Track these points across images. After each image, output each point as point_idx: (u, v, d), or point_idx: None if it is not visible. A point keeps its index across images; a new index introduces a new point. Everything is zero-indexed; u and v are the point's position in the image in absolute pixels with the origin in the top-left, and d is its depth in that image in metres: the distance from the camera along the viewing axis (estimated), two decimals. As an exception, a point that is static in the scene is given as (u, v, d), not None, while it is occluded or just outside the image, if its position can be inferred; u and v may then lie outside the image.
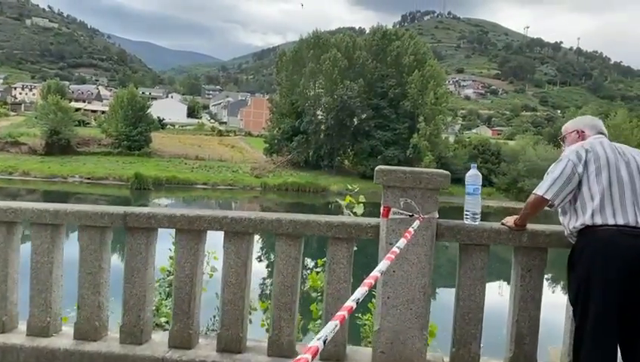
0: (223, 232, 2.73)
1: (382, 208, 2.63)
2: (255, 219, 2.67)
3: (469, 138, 75.22)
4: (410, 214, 2.47)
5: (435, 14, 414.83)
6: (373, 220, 2.78)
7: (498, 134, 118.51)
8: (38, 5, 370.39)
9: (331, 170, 62.94)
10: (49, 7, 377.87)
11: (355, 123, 63.56)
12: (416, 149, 58.72)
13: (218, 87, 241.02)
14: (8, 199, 31.84)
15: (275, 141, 65.24)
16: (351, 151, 65.78)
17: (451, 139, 72.23)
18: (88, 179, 52.16)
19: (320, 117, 63.96)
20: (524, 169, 56.46)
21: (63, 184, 50.38)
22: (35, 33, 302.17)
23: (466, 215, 2.61)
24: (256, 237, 3.03)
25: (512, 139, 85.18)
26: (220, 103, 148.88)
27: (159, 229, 2.71)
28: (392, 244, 2.41)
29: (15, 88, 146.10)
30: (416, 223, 2.36)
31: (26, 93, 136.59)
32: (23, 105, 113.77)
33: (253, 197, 53.73)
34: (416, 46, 66.02)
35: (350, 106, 60.19)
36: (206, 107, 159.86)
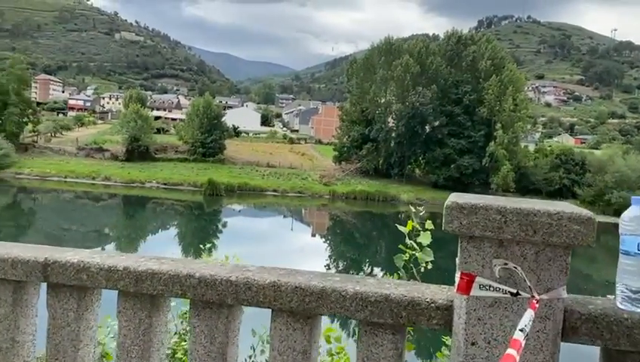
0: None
1: (457, 275, 1.49)
2: (238, 282, 1.60)
3: (550, 147, 70.46)
4: (514, 292, 1.34)
5: (514, 19, 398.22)
6: (440, 292, 1.60)
7: (582, 143, 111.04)
8: (126, 20, 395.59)
9: (402, 178, 61.12)
10: (136, 21, 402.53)
11: (428, 130, 61.43)
12: (492, 158, 55.65)
13: (291, 96, 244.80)
14: (92, 202, 33.25)
15: (345, 149, 64.43)
16: (422, 160, 63.64)
17: (531, 147, 68.13)
18: (164, 184, 53.81)
19: (391, 124, 62.41)
20: (613, 180, 52.04)
21: (141, 189, 52.31)
22: (123, 46, 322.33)
23: (622, 292, 1.41)
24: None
25: (597, 148, 79.44)
26: (292, 112, 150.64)
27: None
28: (476, 344, 1.34)
29: (103, 98, 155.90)
30: (528, 313, 1.24)
31: (113, 103, 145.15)
32: (109, 113, 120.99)
33: (321, 205, 53.15)
34: (493, 50, 62.86)
35: (422, 113, 58.19)
36: (279, 115, 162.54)
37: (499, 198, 1.58)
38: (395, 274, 3.31)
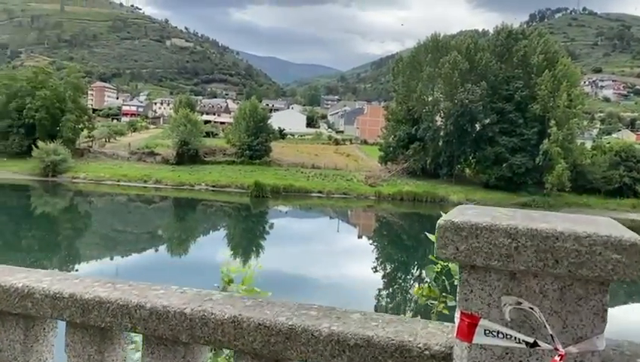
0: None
1: (457, 314, 1.20)
2: (193, 316, 1.30)
3: (608, 143, 66.87)
4: (530, 341, 0.94)
5: (568, 11, 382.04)
6: (439, 334, 1.30)
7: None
8: (176, 27, 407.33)
9: (450, 178, 59.66)
10: (186, 28, 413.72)
11: (477, 128, 59.68)
12: (546, 156, 53.39)
13: (336, 97, 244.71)
14: (145, 205, 34.19)
15: (391, 149, 63.54)
16: (472, 159, 61.88)
17: (588, 144, 64.92)
18: (213, 186, 54.81)
19: (438, 123, 61.05)
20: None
21: (190, 191, 53.48)
22: (174, 53, 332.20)
23: None
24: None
25: (661, 144, 74.60)
26: (337, 113, 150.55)
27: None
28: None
29: (155, 103, 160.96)
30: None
31: (164, 108, 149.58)
32: (161, 118, 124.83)
33: (367, 206, 52.63)
34: (546, 44, 60.31)
35: (472, 111, 56.57)
36: (324, 117, 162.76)
37: (514, 213, 1.20)
38: (426, 286, 2.99)
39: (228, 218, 44.61)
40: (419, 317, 3.19)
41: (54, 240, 31.67)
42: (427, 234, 3.09)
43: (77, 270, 24.09)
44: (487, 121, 58.72)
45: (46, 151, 53.82)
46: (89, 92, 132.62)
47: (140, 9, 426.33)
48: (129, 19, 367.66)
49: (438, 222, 1.21)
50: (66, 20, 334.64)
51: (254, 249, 31.94)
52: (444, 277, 2.93)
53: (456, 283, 2.91)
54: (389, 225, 45.24)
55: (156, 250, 31.66)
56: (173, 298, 1.48)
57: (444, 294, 2.97)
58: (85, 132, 65.73)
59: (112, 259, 27.65)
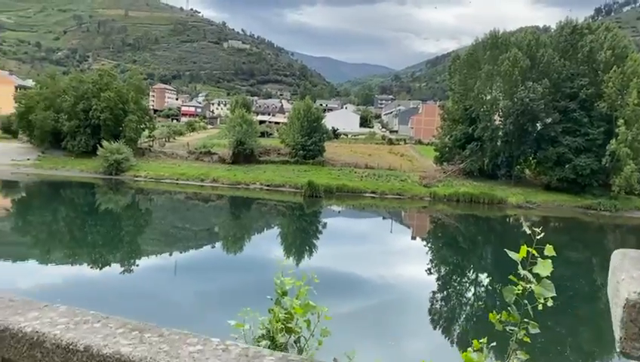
0: None
1: None
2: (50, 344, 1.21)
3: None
4: None
5: (637, 4, 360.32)
6: None
7: None
8: (233, 29, 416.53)
9: (509, 179, 57.63)
10: (242, 30, 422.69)
11: (539, 128, 57.30)
12: (614, 157, 50.50)
13: (390, 96, 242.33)
14: (202, 203, 35.18)
15: (446, 149, 62.13)
16: (533, 160, 59.51)
17: (661, 145, 60.85)
18: (267, 186, 55.49)
19: (497, 122, 59.07)
20: None
21: (245, 190, 54.41)
22: (231, 54, 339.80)
23: None
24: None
25: None
26: (391, 112, 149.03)
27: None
28: None
29: (213, 104, 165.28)
30: None
31: (221, 108, 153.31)
32: (218, 119, 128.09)
33: (421, 207, 51.70)
34: (614, 39, 57.03)
35: (533, 110, 54.37)
36: (378, 116, 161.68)
37: None
38: (504, 312, 2.71)
39: (282, 217, 45.03)
40: (492, 343, 2.91)
41: (117, 235, 32.99)
42: (508, 251, 2.82)
43: (138, 265, 24.97)
44: (550, 120, 56.25)
45: (110, 151, 56.28)
46: (150, 93, 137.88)
47: (199, 12, 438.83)
48: (189, 23, 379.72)
49: (628, 298, 0.84)
50: (130, 25, 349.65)
51: (308, 248, 32.02)
52: (526, 301, 2.65)
53: (540, 307, 2.63)
54: (444, 227, 44.23)
55: (213, 247, 32.39)
56: (212, 359, 1.26)
57: (525, 320, 2.69)
58: (146, 132, 68.21)
59: (170, 254, 28.48)
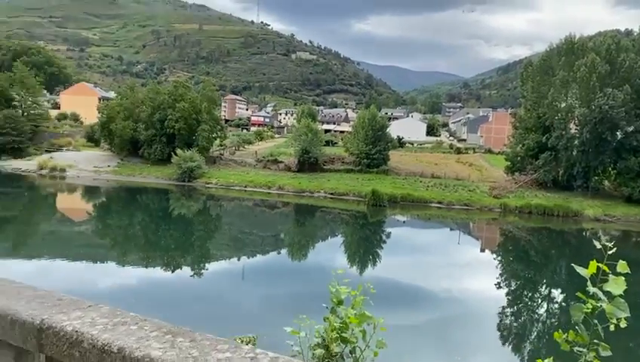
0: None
1: None
2: None
3: None
4: None
5: None
6: None
7: None
8: (301, 41, 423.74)
9: (586, 191, 54.45)
10: (310, 41, 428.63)
11: (619, 137, 53.81)
12: None
13: (459, 104, 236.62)
14: (269, 210, 36.08)
15: (518, 158, 59.69)
16: (612, 171, 55.91)
17: None
18: (331, 194, 55.76)
19: (573, 131, 56.08)
20: None
21: (310, 198, 54.96)
22: (298, 65, 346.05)
23: None
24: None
25: None
26: (459, 120, 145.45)
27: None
28: None
29: (280, 114, 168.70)
30: None
31: (288, 118, 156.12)
32: (285, 128, 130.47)
33: (491, 219, 49.93)
34: None
35: (612, 117, 51.20)
36: (445, 125, 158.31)
37: None
38: (571, 331, 2.55)
39: (345, 225, 45.02)
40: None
41: (189, 240, 34.30)
42: (575, 266, 2.66)
43: (207, 269, 25.81)
44: (631, 128, 52.74)
45: (183, 159, 58.83)
46: (222, 104, 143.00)
47: (269, 25, 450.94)
48: (259, 36, 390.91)
49: None
50: (204, 38, 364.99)
51: (371, 257, 31.79)
52: (596, 321, 2.48)
53: (612, 328, 2.46)
54: (515, 240, 42.44)
55: (278, 253, 32.92)
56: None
57: (595, 341, 2.52)
58: (218, 141, 70.73)
59: (239, 259, 29.24)
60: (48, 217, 41.08)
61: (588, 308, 2.50)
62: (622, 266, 2.49)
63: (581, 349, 2.58)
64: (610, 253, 2.52)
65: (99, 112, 70.09)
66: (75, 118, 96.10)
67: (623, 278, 2.46)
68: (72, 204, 49.20)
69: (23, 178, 58.96)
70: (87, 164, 64.79)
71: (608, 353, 2.53)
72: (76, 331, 1.47)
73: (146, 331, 1.45)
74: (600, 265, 2.52)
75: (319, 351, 3.13)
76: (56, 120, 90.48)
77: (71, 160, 65.04)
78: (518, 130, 62.16)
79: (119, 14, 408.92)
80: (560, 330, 2.57)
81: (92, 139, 76.15)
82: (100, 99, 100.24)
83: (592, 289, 2.49)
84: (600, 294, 2.47)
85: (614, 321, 2.48)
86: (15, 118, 68.37)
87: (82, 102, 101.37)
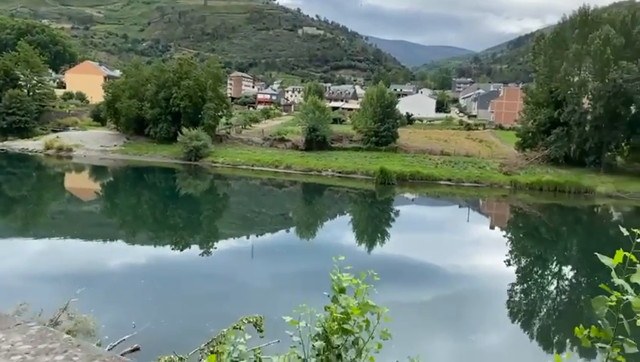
0: None
1: None
2: None
3: None
4: None
5: None
6: None
7: None
8: (308, 15, 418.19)
9: (598, 167, 53.74)
10: (317, 16, 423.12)
11: (633, 111, 52.80)
12: None
13: (469, 79, 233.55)
14: (276, 189, 36.05)
15: (529, 134, 58.89)
16: (626, 146, 55.03)
17: None
18: (339, 173, 55.48)
19: (586, 105, 55.08)
20: None
21: (317, 177, 54.75)
22: (305, 41, 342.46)
23: None
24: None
25: None
26: (469, 96, 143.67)
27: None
28: None
29: (287, 91, 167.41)
30: None
31: (295, 95, 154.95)
32: (292, 105, 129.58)
33: (501, 195, 49.54)
34: None
35: (627, 91, 50.13)
36: (455, 100, 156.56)
37: None
38: (593, 327, 2.31)
39: (353, 204, 44.88)
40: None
41: (197, 219, 34.36)
42: (599, 255, 2.41)
43: (216, 248, 25.88)
44: (646, 102, 51.72)
45: (189, 137, 58.62)
46: (228, 81, 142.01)
47: (275, 0, 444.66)
48: (264, 11, 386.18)
49: None
50: (209, 14, 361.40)
51: (379, 236, 31.70)
52: (621, 315, 2.24)
53: (639, 323, 2.21)
54: (525, 217, 42.10)
55: (287, 231, 32.93)
56: None
57: (620, 337, 2.28)
58: (224, 119, 70.31)
59: (247, 238, 29.26)
60: (57, 197, 41.31)
61: (612, 301, 2.26)
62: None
63: (604, 345, 2.34)
64: (638, 240, 2.26)
65: (104, 91, 69.83)
66: (81, 97, 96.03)
67: (646, 271, 2.22)
68: (80, 184, 49.43)
69: (30, 158, 59.22)
70: (93, 143, 64.87)
71: (635, 349, 2.29)
72: None
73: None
74: (627, 254, 2.27)
75: (319, 343, 2.93)
76: (62, 99, 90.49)
77: (77, 139, 65.10)
78: (530, 105, 61.20)
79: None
80: (581, 325, 2.33)
81: (98, 118, 76.10)
82: (105, 77, 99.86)
83: (617, 280, 2.24)
84: (627, 286, 2.23)
85: (640, 314, 2.24)
86: (21, 97, 68.30)
87: (88, 81, 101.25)
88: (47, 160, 58.97)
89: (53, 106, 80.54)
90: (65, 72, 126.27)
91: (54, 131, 70.28)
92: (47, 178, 50.73)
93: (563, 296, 21.25)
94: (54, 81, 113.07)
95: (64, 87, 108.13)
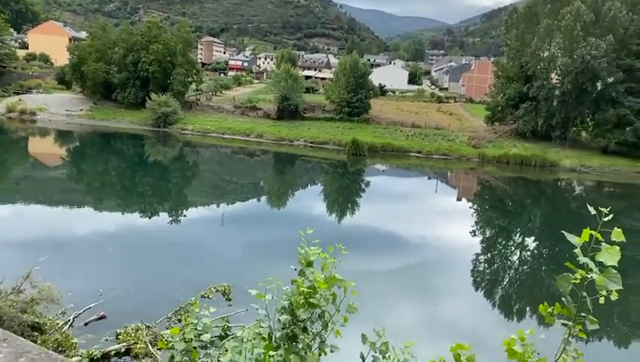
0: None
1: None
2: None
3: None
4: None
5: None
6: None
7: None
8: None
9: (564, 142, 55.10)
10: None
11: (599, 87, 54.00)
12: (681, 121, 47.26)
13: (442, 51, 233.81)
14: (247, 157, 35.72)
15: (499, 108, 59.72)
16: (590, 122, 56.47)
17: None
18: (311, 143, 55.33)
19: (554, 81, 56.00)
20: None
21: (289, 146, 54.49)
22: (278, 7, 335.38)
23: None
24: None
25: None
26: (442, 68, 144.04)
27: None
28: None
29: (259, 58, 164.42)
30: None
31: (268, 63, 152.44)
32: (265, 73, 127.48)
33: (469, 168, 50.39)
34: (691, -10, 52.30)
35: (594, 68, 51.11)
36: (427, 73, 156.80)
37: None
38: (557, 304, 2.34)
39: (325, 174, 44.95)
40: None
41: (166, 186, 33.85)
42: (566, 233, 2.43)
43: (186, 216, 25.60)
44: (612, 79, 52.86)
45: (158, 103, 57.23)
46: (198, 47, 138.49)
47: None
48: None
49: None
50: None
51: (350, 206, 31.93)
52: (584, 293, 2.27)
53: (601, 300, 2.24)
54: (491, 189, 43.03)
55: (258, 200, 32.80)
56: None
57: (582, 314, 2.32)
58: (194, 85, 68.77)
59: (218, 206, 29.04)
60: (21, 162, 39.96)
61: (576, 279, 2.29)
62: (617, 234, 2.27)
63: (567, 322, 2.38)
64: (605, 219, 2.28)
65: (69, 53, 67.12)
66: (45, 58, 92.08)
67: (618, 248, 2.24)
68: (45, 149, 47.89)
69: (-10, 121, 56.93)
70: (58, 107, 62.66)
71: (596, 326, 2.34)
72: None
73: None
74: (593, 232, 2.29)
75: (285, 317, 2.91)
76: (24, 60, 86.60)
77: (41, 103, 62.76)
78: (500, 79, 61.87)
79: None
80: (545, 303, 2.36)
81: (63, 82, 73.26)
82: (70, 39, 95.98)
83: (582, 259, 2.26)
84: (591, 264, 2.25)
85: (604, 293, 2.27)
86: (-20, 57, 65.20)
87: (52, 42, 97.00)
88: (10, 123, 56.78)
89: (15, 67, 77.09)
90: (27, 32, 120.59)
91: (16, 93, 67.43)
92: (10, 142, 48.92)
93: (525, 267, 21.94)
94: (16, 41, 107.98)
95: (27, 48, 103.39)
